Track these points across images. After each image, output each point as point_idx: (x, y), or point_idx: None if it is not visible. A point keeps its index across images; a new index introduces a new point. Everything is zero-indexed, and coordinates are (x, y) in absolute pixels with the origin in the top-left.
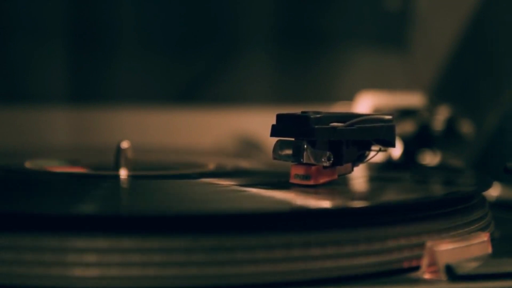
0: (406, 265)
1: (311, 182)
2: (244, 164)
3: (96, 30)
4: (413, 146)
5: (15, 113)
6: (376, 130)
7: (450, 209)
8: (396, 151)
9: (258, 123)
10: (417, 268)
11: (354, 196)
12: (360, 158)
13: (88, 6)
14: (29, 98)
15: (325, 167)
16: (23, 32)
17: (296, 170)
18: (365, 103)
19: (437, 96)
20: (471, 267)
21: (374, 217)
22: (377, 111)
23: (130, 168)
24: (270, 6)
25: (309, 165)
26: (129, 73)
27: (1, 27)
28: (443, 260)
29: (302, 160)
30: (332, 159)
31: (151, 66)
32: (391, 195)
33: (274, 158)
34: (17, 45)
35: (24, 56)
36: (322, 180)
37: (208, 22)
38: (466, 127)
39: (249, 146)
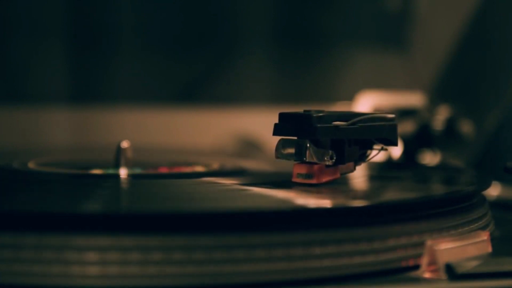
0: (406, 264)
1: (314, 181)
2: (244, 164)
3: (96, 30)
4: (413, 146)
5: (15, 113)
6: (379, 129)
7: (450, 208)
8: (396, 151)
9: (258, 123)
10: (417, 267)
11: (355, 195)
12: (362, 157)
13: (88, 6)
14: (29, 98)
15: (327, 166)
16: (23, 32)
17: (299, 169)
18: (365, 103)
19: (437, 96)
20: (471, 266)
21: (374, 216)
22: (377, 111)
23: (130, 167)
24: (270, 6)
25: (311, 164)
26: (129, 73)
27: (1, 27)
28: (443, 259)
29: (304, 159)
30: (334, 158)
31: (151, 66)
32: (392, 194)
33: (277, 157)
34: (17, 45)
35: (24, 56)
36: (324, 179)
37: (208, 22)
38: (466, 127)
39: (249, 146)
